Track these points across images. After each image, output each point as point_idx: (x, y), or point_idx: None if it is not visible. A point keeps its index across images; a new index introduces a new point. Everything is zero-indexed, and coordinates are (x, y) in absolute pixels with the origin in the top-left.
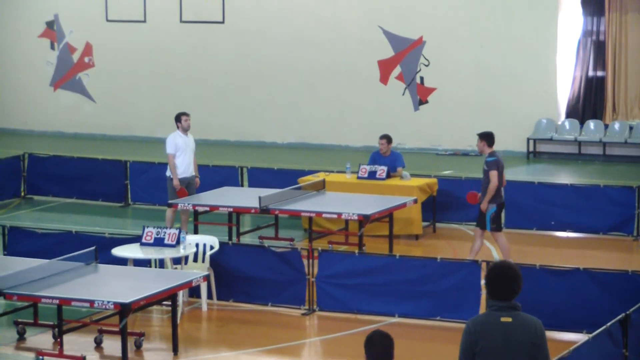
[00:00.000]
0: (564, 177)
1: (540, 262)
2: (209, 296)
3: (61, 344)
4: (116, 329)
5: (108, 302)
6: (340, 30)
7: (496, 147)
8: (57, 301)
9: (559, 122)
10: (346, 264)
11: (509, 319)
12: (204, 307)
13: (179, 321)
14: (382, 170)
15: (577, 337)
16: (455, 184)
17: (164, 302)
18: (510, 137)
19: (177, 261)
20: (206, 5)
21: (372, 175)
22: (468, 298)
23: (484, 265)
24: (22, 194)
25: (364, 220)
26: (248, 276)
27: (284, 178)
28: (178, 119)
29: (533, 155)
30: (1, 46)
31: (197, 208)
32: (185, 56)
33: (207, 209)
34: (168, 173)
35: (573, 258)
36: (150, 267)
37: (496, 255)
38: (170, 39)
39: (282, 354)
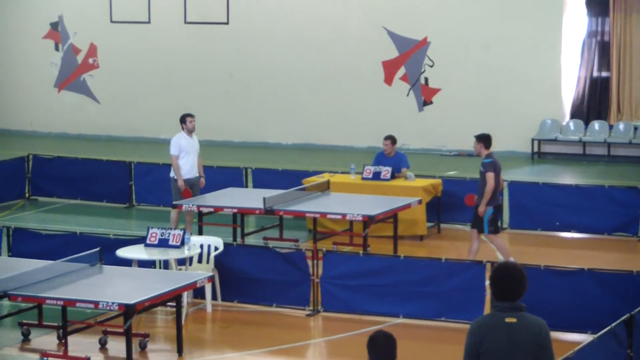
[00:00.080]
0: (569, 177)
1: (544, 263)
2: (214, 297)
3: (66, 345)
4: (121, 330)
5: (112, 303)
6: (345, 31)
7: (500, 147)
8: (62, 302)
9: (564, 123)
10: (351, 264)
11: (514, 320)
12: (209, 308)
13: (183, 322)
14: (386, 171)
15: (582, 338)
16: (460, 184)
17: (169, 303)
18: (515, 137)
19: (181, 262)
20: (210, 6)
21: (376, 176)
22: (472, 299)
23: (488, 266)
24: (27, 195)
25: (368, 221)
26: (252, 277)
27: (289, 179)
28: (183, 120)
29: (537, 156)
30: (5, 47)
31: (201, 209)
32: (189, 57)
33: (212, 210)
34: (172, 174)
35: (577, 258)
36: (155, 268)
37: (500, 256)
38: (175, 40)
39: (287, 355)
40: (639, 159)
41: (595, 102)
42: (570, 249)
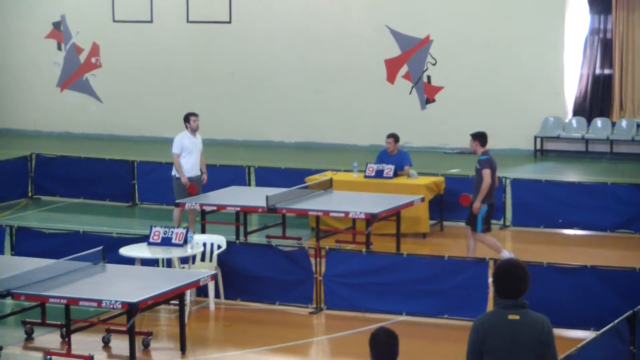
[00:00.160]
0: (571, 175)
1: (547, 260)
2: (217, 295)
3: (69, 344)
4: (124, 329)
5: (116, 301)
6: (347, 30)
7: (503, 145)
8: (65, 301)
9: (566, 120)
10: (353, 262)
11: (517, 317)
12: (212, 307)
13: (186, 320)
14: (389, 169)
15: (585, 335)
16: (463, 182)
17: (172, 302)
18: (518, 135)
19: (184, 260)
20: (213, 5)
21: (379, 174)
22: (475, 296)
23: (491, 263)
24: (30, 194)
25: (371, 219)
26: (255, 275)
27: (291, 177)
28: (187, 119)
29: (540, 153)
30: (8, 47)
31: (204, 207)
32: (191, 56)
33: (215, 208)
34: (174, 172)
35: (580, 256)
36: (158, 266)
37: (504, 253)
38: (177, 39)
39: (290, 353)
40: None
41: (597, 99)
42: (573, 246)
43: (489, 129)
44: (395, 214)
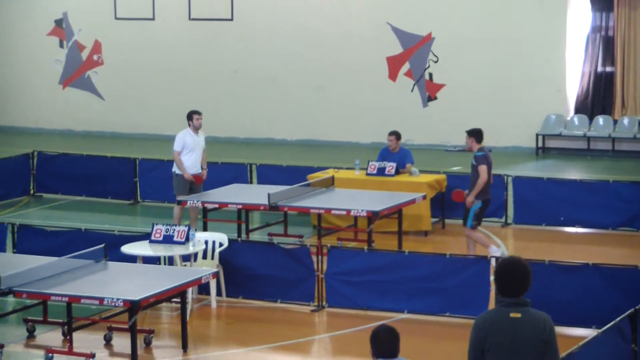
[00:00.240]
0: (573, 172)
1: (549, 258)
2: (218, 293)
3: (71, 342)
4: (126, 326)
5: (117, 299)
6: (349, 27)
7: (505, 142)
8: (67, 299)
9: (568, 118)
10: (355, 260)
11: (518, 315)
12: (213, 304)
13: (188, 318)
14: (391, 166)
15: (586, 333)
16: (464, 180)
17: (173, 300)
18: (519, 132)
19: (186, 258)
20: (214, 3)
21: (381, 171)
22: (477, 294)
23: (493, 261)
24: (32, 192)
25: (373, 216)
26: (257, 273)
27: (293, 175)
28: (190, 117)
29: (542, 151)
30: (10, 45)
31: (206, 205)
32: (193, 54)
33: (216, 206)
34: (174, 169)
35: (582, 254)
36: (160, 264)
37: (505, 251)
38: (179, 37)
39: (292, 351)
40: None
41: (599, 97)
42: (574, 244)
43: (491, 127)
44: (397, 212)
